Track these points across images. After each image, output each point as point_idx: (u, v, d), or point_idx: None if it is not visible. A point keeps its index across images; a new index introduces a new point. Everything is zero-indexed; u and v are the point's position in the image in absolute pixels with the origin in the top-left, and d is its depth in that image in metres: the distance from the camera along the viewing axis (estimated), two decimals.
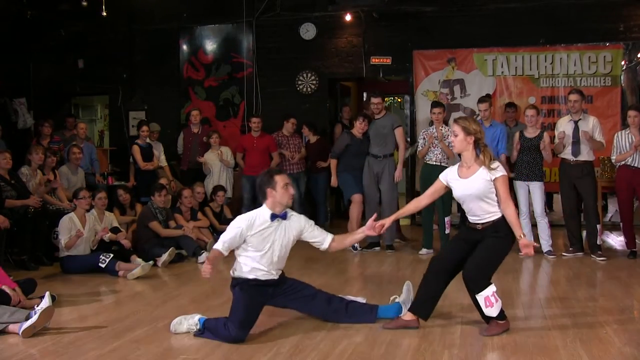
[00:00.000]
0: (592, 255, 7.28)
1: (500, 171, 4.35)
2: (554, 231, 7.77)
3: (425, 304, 4.48)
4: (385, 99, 12.16)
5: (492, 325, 4.38)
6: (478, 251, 4.38)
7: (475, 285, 4.35)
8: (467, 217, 4.56)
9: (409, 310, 4.52)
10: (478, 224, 4.43)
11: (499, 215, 4.37)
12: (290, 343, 4.21)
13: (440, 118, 7.73)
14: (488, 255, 4.38)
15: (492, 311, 4.32)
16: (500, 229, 4.36)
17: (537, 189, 7.41)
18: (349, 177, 8.05)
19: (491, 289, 4.33)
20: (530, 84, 9.93)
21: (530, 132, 7.47)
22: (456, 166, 4.56)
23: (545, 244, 7.49)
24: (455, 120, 4.53)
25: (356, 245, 7.80)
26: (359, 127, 7.97)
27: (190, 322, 4.42)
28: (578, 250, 7.49)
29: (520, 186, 7.50)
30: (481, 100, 7.85)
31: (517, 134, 7.59)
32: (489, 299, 4.31)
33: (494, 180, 4.33)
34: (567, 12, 9.72)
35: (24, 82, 11.22)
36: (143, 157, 9.13)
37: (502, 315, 4.38)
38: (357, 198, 8.06)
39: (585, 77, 9.72)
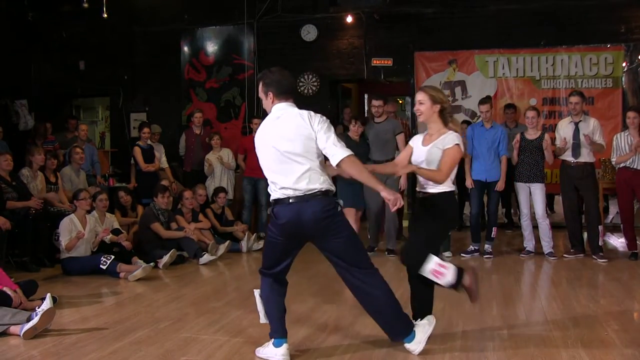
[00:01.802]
0: (594, 257, 7.27)
1: (452, 142, 4.22)
2: (555, 233, 7.77)
3: (423, 309, 4.33)
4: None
5: (464, 290, 4.15)
6: (413, 235, 4.33)
7: (415, 269, 4.14)
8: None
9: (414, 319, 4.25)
10: (421, 192, 4.34)
11: (441, 189, 4.24)
12: (292, 344, 4.20)
13: None
14: (423, 239, 4.22)
15: (448, 278, 4.04)
16: (438, 204, 4.23)
17: (538, 191, 7.41)
18: (343, 185, 7.03)
19: (433, 260, 4.06)
20: (531, 85, 9.93)
21: (531, 134, 7.48)
22: (425, 132, 4.47)
23: (547, 246, 7.49)
24: (422, 88, 4.41)
25: None
26: (352, 131, 7.67)
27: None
28: (579, 251, 7.48)
29: (522, 188, 7.50)
30: (482, 101, 7.81)
31: (517, 135, 7.60)
32: (437, 270, 4.06)
33: (444, 149, 4.22)
34: (568, 14, 9.71)
35: (25, 84, 11.22)
36: (144, 159, 9.13)
37: (461, 275, 4.09)
38: (347, 212, 6.92)
39: (586, 78, 9.72)
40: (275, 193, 3.84)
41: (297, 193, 3.75)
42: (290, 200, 3.76)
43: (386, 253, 7.78)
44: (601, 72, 9.66)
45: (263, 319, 4.05)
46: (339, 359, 3.97)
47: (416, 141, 4.47)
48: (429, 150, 4.29)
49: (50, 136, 9.56)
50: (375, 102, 7.88)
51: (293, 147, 3.78)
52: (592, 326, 4.61)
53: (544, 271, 6.98)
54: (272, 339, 3.98)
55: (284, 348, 3.92)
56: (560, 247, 7.98)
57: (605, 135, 7.59)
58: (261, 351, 4.03)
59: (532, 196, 7.48)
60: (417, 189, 4.41)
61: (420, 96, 4.33)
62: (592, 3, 9.58)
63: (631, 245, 7.32)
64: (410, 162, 4.40)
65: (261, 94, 4.00)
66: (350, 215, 7.38)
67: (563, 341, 4.24)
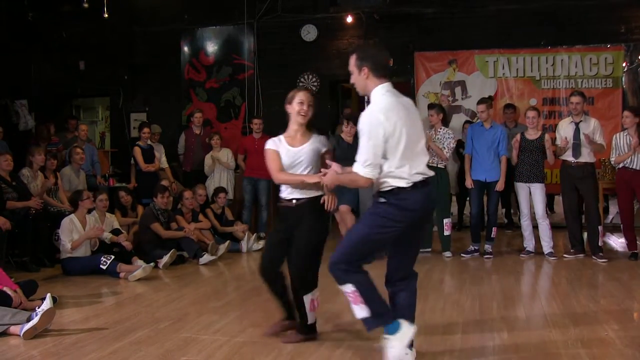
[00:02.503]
0: (594, 257, 7.27)
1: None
2: (555, 233, 7.76)
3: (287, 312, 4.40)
4: None
5: (294, 334, 4.32)
6: (297, 243, 4.09)
7: (303, 285, 4.16)
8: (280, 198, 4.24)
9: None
10: (294, 199, 4.14)
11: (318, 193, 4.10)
12: (292, 345, 4.21)
13: (434, 120, 7.68)
14: (308, 248, 4.09)
15: (312, 316, 4.24)
16: (316, 206, 4.07)
17: (538, 191, 7.41)
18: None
19: (317, 292, 4.20)
20: (531, 85, 9.93)
21: (531, 134, 7.49)
22: (282, 136, 4.24)
23: (547, 246, 7.49)
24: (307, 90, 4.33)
25: None
26: (346, 132, 7.27)
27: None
28: (579, 251, 7.48)
29: (522, 188, 7.50)
30: (480, 101, 7.79)
31: (517, 135, 7.60)
32: (314, 303, 4.20)
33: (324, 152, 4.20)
34: (568, 14, 9.72)
35: (25, 84, 11.22)
36: (144, 159, 9.13)
37: (314, 326, 4.33)
38: (342, 209, 7.14)
39: (586, 78, 9.72)
40: (399, 181, 3.52)
41: (425, 177, 3.60)
42: (418, 185, 3.55)
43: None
44: (601, 72, 9.67)
45: (363, 313, 3.60)
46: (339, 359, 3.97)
47: (279, 143, 4.21)
48: (305, 151, 4.17)
49: (54, 138, 9.55)
50: None
51: (422, 131, 3.72)
52: (592, 326, 4.61)
53: (544, 271, 6.98)
54: (387, 328, 3.58)
55: (407, 328, 3.57)
56: (560, 247, 7.97)
57: (606, 135, 7.59)
58: (390, 353, 3.58)
59: (532, 196, 7.49)
60: (287, 196, 4.18)
61: (306, 97, 4.19)
62: (592, 3, 9.58)
63: (631, 245, 7.32)
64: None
65: (352, 68, 3.66)
66: (344, 211, 7.17)
67: (563, 341, 4.24)
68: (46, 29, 11.42)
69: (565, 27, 9.76)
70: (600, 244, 7.35)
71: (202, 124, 10.06)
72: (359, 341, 4.31)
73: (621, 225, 7.48)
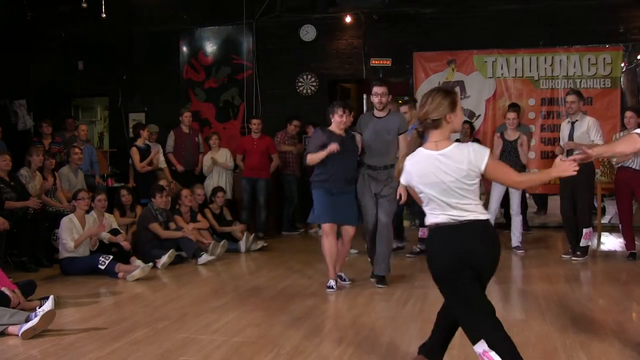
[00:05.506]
0: (572, 257, 7.18)
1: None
2: (554, 233, 7.77)
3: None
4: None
5: None
6: None
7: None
8: None
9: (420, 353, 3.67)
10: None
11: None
12: (291, 344, 4.21)
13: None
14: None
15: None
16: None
17: (516, 190, 7.54)
18: (320, 194, 5.87)
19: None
20: (530, 85, 9.93)
21: (511, 135, 7.68)
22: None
23: (515, 240, 7.67)
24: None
25: (344, 276, 6.18)
26: (339, 122, 5.84)
27: None
28: None
29: (497, 186, 7.52)
30: (404, 103, 7.92)
31: (496, 135, 7.80)
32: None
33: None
34: (567, 14, 9.72)
35: (24, 84, 11.21)
36: (142, 159, 9.09)
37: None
38: (326, 229, 5.83)
39: (584, 78, 9.72)
40: None
41: None
42: None
43: (373, 280, 6.15)
44: (600, 72, 9.66)
45: None
46: None
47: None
48: None
49: (57, 137, 9.54)
50: (377, 89, 5.94)
51: None
52: (591, 326, 4.61)
53: (544, 271, 6.97)
54: None
55: None
56: (559, 248, 7.98)
57: (604, 135, 7.57)
58: None
59: (510, 194, 7.68)
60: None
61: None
62: (591, 3, 9.58)
63: (629, 245, 7.30)
64: None
65: None
66: (327, 233, 5.84)
67: (561, 341, 4.24)
68: (45, 29, 11.41)
69: (563, 28, 9.76)
70: (582, 243, 7.17)
71: (192, 124, 10.07)
72: (358, 340, 4.31)
73: (620, 226, 7.47)
